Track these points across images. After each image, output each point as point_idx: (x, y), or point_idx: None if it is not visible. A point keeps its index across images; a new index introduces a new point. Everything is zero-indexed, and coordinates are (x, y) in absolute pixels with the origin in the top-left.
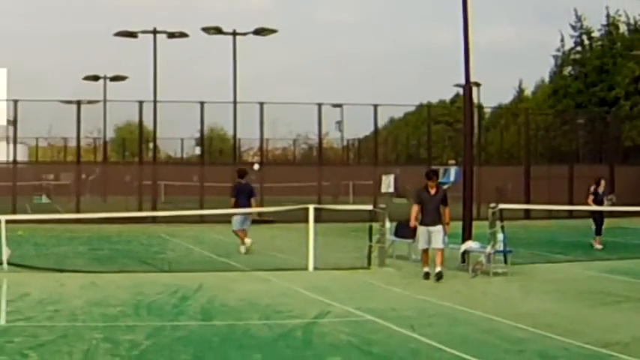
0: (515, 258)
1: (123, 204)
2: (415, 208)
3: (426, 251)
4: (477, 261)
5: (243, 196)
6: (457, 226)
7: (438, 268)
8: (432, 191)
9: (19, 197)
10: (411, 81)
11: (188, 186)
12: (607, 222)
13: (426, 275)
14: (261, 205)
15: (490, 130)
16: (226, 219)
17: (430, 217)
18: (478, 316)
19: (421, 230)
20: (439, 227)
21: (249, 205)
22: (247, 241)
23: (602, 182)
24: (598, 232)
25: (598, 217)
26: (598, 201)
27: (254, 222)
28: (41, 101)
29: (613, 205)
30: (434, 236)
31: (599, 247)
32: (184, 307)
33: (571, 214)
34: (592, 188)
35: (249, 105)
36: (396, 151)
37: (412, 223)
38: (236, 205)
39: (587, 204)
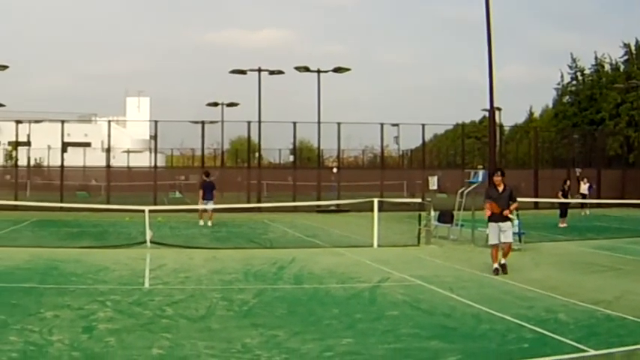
0: (527, 238)
1: (236, 198)
2: (488, 204)
3: (495, 247)
4: None
5: (208, 190)
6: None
7: (503, 260)
8: (500, 188)
9: (159, 193)
10: (449, 106)
11: (284, 184)
12: (594, 211)
13: (496, 271)
14: (338, 198)
15: (508, 143)
16: (312, 209)
17: (500, 214)
18: (499, 281)
19: (492, 226)
20: (509, 223)
21: (212, 197)
22: (201, 222)
23: (568, 182)
24: (562, 215)
25: (563, 207)
26: (564, 194)
27: (333, 211)
28: (175, 121)
29: (573, 197)
30: (504, 232)
31: (562, 225)
32: (281, 274)
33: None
34: (562, 186)
35: (329, 124)
36: (438, 158)
37: (488, 213)
38: (203, 197)
39: (556, 197)
